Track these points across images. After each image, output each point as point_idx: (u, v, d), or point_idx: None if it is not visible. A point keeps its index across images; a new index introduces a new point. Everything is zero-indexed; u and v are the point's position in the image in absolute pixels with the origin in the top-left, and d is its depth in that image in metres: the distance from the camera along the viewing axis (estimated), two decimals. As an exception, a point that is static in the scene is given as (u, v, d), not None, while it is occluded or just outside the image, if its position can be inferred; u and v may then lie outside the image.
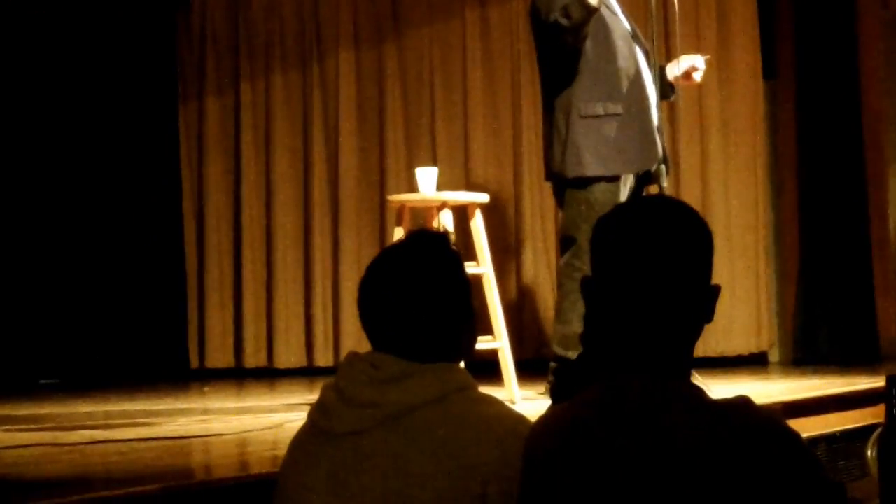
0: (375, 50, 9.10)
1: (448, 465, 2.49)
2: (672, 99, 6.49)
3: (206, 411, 6.55)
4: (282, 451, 2.75)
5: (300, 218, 9.19)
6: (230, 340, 9.28)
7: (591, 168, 5.98)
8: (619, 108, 6.03)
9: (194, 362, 9.33)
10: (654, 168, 6.11)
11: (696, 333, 2.25)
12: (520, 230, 8.65)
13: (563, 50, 5.98)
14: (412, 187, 6.39)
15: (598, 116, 6.01)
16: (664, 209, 2.27)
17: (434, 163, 8.23)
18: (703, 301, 2.24)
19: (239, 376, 9.07)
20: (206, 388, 8.12)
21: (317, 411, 2.66)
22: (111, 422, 5.85)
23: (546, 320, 8.26)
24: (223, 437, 5.11)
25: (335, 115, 9.12)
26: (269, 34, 9.34)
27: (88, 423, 5.86)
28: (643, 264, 2.20)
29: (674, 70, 6.33)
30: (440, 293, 2.66)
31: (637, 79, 6.08)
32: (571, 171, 6.03)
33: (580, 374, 2.31)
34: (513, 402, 5.95)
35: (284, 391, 7.69)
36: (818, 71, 8.25)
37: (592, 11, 5.79)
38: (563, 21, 5.81)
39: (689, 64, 6.30)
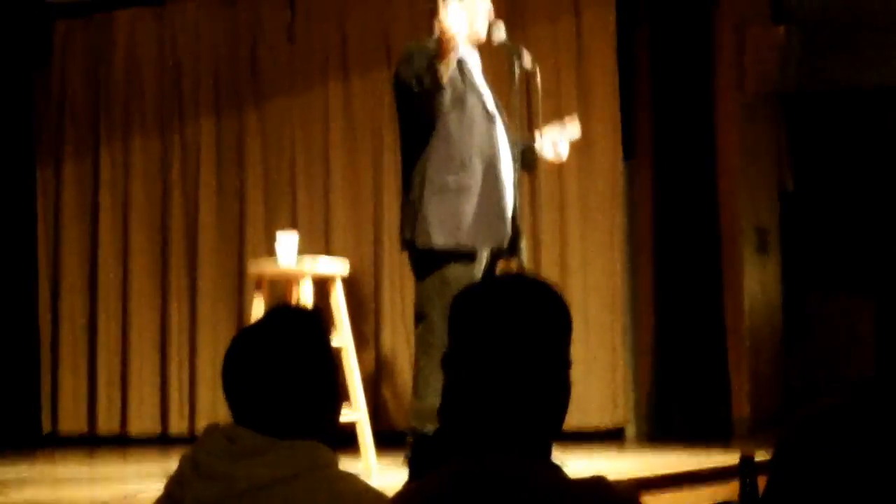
0: (236, 117, 9.05)
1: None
2: (533, 170, 6.53)
3: (57, 480, 6.42)
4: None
5: (157, 284, 9.08)
6: (83, 405, 9.12)
7: (439, 240, 5.98)
8: (472, 183, 6.04)
9: (46, 427, 9.15)
10: (505, 244, 6.15)
11: (555, 411, 2.26)
12: (379, 300, 8.62)
13: (419, 117, 6.01)
14: (272, 253, 6.37)
15: (450, 190, 6.02)
16: (523, 288, 2.29)
17: (295, 230, 8.18)
18: (560, 380, 2.25)
19: (91, 443, 8.91)
20: (57, 456, 7.96)
21: (173, 482, 2.63)
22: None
23: (404, 392, 8.23)
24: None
25: (195, 180, 9.04)
26: (128, 98, 9.25)
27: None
28: (500, 343, 2.21)
29: (541, 144, 6.36)
30: (307, 372, 2.64)
31: (493, 155, 6.11)
32: (421, 243, 6.03)
33: (437, 449, 2.30)
34: (370, 474, 5.93)
35: (137, 459, 7.57)
36: (676, 151, 8.37)
37: (438, 86, 5.84)
38: (414, 86, 5.86)
39: (556, 136, 6.34)
